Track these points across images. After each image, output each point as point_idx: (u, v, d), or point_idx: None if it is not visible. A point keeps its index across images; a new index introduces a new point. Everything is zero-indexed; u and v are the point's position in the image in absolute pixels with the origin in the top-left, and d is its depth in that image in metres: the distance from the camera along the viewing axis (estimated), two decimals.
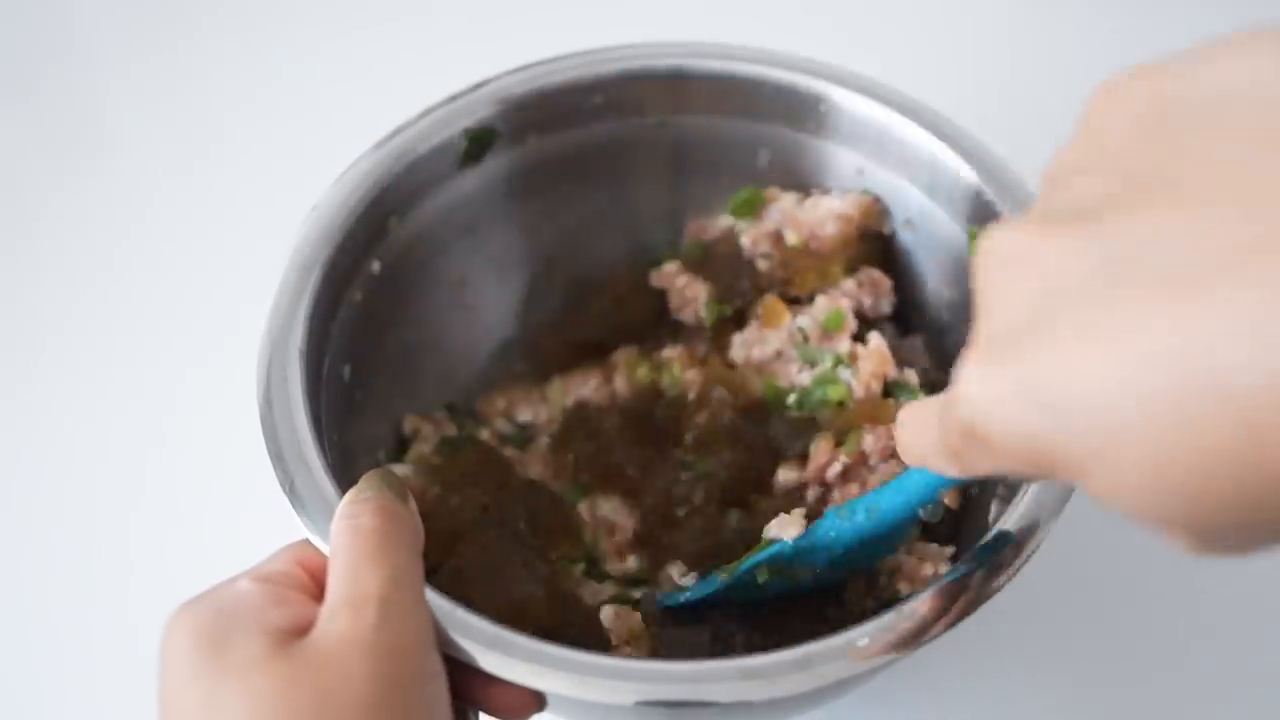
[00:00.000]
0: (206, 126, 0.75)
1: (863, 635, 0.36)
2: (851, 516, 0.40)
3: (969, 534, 0.45)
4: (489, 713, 0.39)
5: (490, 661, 0.36)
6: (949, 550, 0.44)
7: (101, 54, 0.81)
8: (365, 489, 0.38)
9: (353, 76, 0.75)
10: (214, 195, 0.70)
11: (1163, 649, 0.52)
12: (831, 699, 0.45)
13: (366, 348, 0.48)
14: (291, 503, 0.39)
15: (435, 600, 0.37)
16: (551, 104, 0.51)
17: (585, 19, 0.72)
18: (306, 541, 0.38)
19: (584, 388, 0.52)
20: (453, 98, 0.50)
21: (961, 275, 0.50)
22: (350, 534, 0.36)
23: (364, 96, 0.64)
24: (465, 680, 0.38)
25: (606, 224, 0.55)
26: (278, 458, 0.40)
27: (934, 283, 0.51)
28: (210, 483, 0.57)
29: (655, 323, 0.53)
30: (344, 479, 0.40)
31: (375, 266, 0.48)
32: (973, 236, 0.48)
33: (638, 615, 0.44)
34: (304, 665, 0.33)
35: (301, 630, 0.34)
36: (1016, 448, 0.24)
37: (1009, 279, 0.24)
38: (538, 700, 0.38)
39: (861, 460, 0.46)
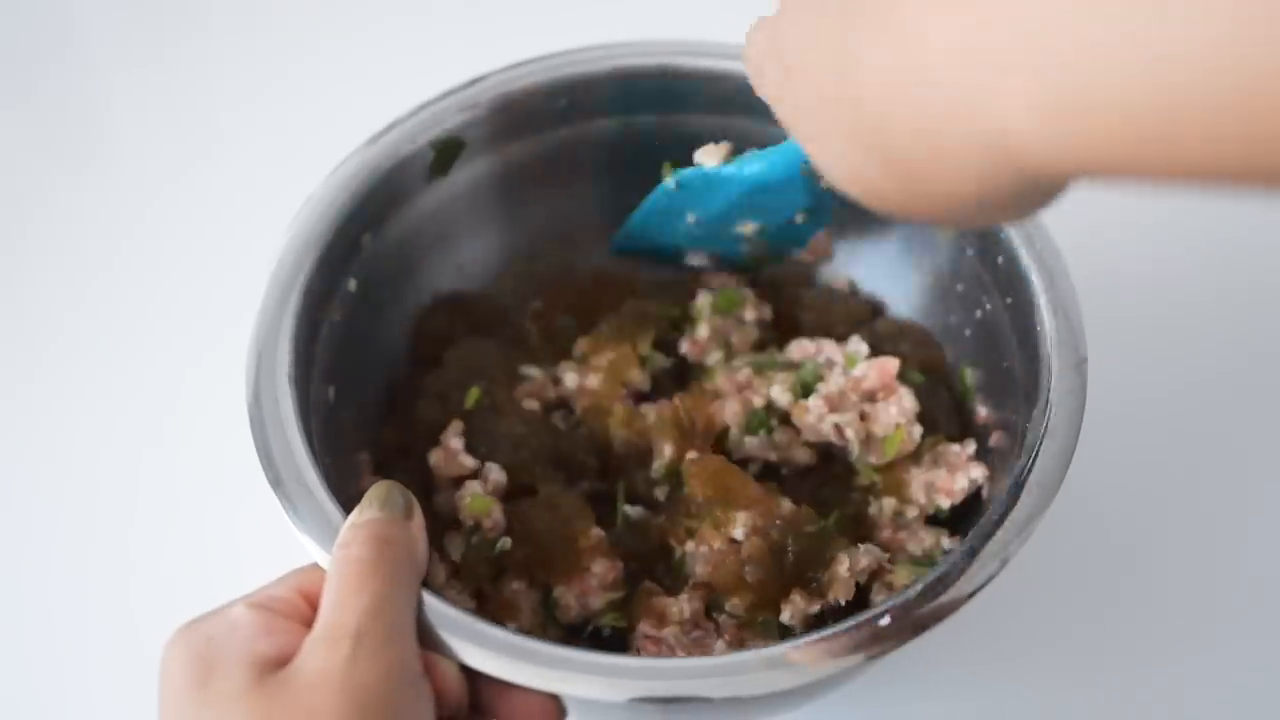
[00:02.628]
0: (206, 127, 0.75)
1: (883, 615, 0.38)
2: (746, 162, 0.47)
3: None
4: None
5: (503, 669, 0.37)
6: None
7: (100, 55, 0.81)
8: (366, 508, 0.38)
9: (354, 76, 0.75)
10: (213, 196, 0.70)
11: (1158, 643, 0.53)
12: (834, 688, 0.46)
13: (348, 367, 0.49)
14: (294, 524, 0.40)
15: (435, 605, 0.38)
16: (516, 110, 0.51)
17: (582, 18, 0.71)
18: (314, 566, 0.39)
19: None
20: (416, 110, 0.50)
21: (933, 256, 0.50)
22: (340, 564, 0.37)
23: (366, 96, 0.64)
24: (484, 691, 0.39)
25: (577, 226, 0.55)
26: (277, 483, 0.40)
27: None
28: (209, 483, 0.58)
29: None
30: (343, 499, 0.40)
31: (351, 285, 0.49)
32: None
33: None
34: (278, 699, 0.34)
35: (287, 660, 0.35)
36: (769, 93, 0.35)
37: None
38: (558, 708, 0.39)
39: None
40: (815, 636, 0.37)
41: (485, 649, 0.37)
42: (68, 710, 0.53)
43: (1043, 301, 0.44)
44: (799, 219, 0.49)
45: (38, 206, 0.71)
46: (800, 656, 0.37)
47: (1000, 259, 0.47)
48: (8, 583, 0.56)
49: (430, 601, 0.38)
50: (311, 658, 0.35)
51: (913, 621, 0.38)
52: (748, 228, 0.50)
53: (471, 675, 0.38)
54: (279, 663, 0.35)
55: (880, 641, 0.37)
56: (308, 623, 0.36)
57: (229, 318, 0.51)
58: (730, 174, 0.47)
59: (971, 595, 0.38)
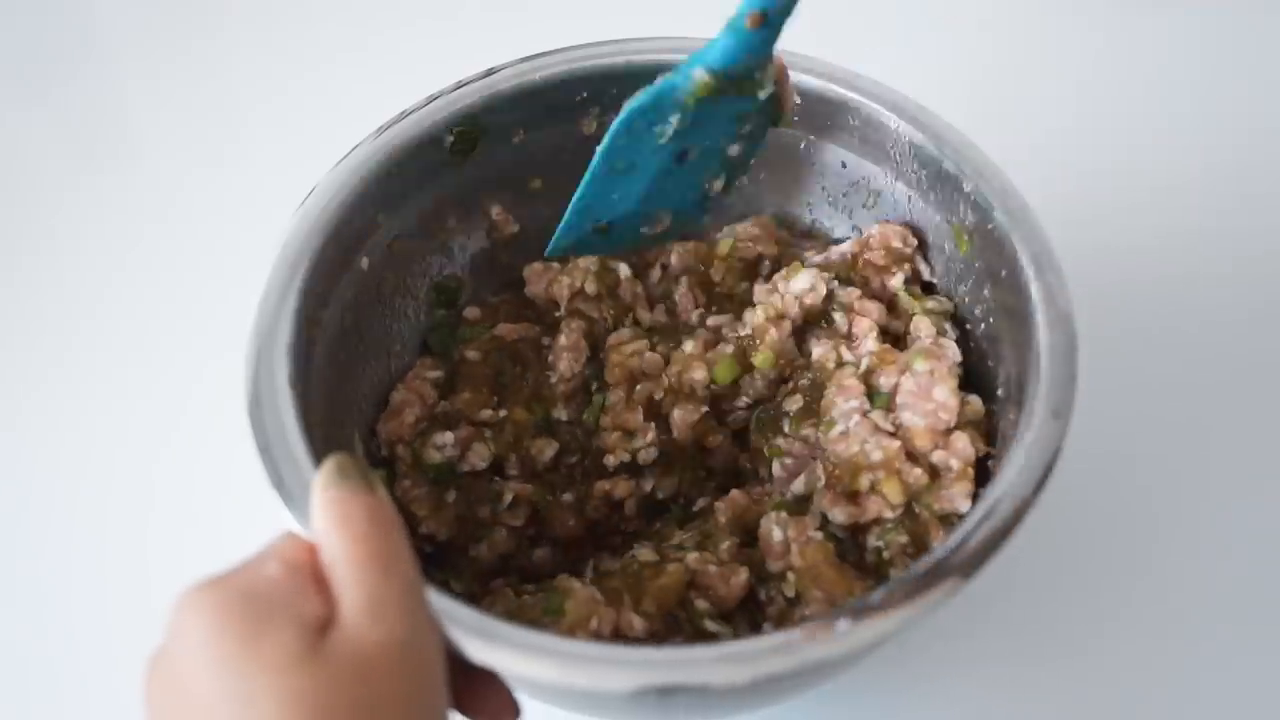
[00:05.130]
0: (226, 126, 0.76)
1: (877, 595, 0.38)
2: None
3: None
4: (466, 714, 0.39)
5: (501, 659, 0.37)
6: None
7: (122, 54, 0.82)
8: (330, 483, 0.36)
9: (374, 77, 0.75)
10: (233, 195, 0.71)
11: (1147, 638, 0.53)
12: (833, 675, 0.46)
13: (354, 344, 0.49)
14: (280, 496, 0.40)
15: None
16: (537, 100, 0.51)
17: (594, 16, 0.73)
18: (293, 534, 0.37)
19: None
20: (438, 95, 0.50)
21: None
22: (359, 540, 0.35)
23: (386, 98, 0.64)
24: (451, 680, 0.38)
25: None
26: (265, 450, 0.40)
27: None
28: (230, 478, 0.55)
29: None
30: None
31: (364, 263, 0.49)
32: (953, 227, 0.49)
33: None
34: (344, 669, 0.32)
35: (326, 626, 0.33)
36: None
37: None
38: (515, 707, 0.39)
39: None
40: (813, 622, 0.37)
41: (481, 640, 0.37)
42: (88, 710, 0.52)
43: (1036, 297, 0.44)
44: (735, 148, 0.46)
45: (59, 206, 0.71)
46: (794, 639, 0.37)
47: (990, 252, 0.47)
48: (25, 581, 0.56)
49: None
50: (368, 630, 0.33)
51: (913, 585, 0.37)
52: (691, 152, 0.45)
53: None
54: (321, 629, 0.33)
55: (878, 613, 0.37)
56: (325, 587, 0.35)
57: (248, 314, 0.52)
58: (653, 98, 0.43)
59: (969, 576, 0.38)
